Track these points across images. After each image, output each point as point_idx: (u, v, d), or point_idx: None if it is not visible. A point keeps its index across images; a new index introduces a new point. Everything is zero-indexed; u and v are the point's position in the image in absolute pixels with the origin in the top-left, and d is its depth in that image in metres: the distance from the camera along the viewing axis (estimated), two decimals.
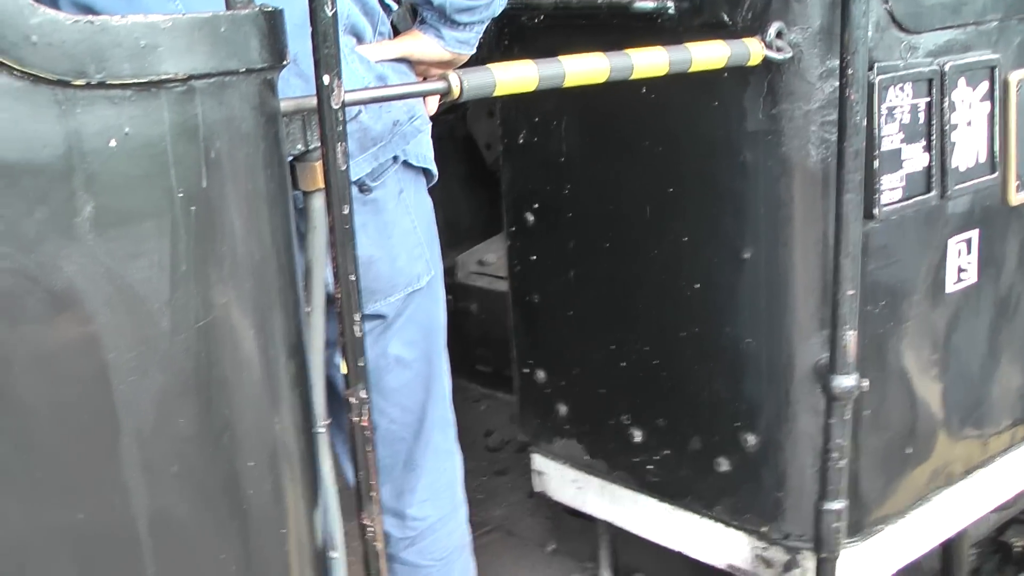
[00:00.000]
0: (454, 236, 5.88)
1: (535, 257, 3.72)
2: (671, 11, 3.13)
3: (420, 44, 2.80)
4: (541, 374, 3.79)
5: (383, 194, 2.80)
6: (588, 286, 3.58)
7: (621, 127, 3.37)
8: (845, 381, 2.96)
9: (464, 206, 5.97)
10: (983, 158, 3.38)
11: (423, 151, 2.87)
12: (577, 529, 4.31)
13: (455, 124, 5.87)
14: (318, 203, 2.20)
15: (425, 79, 2.84)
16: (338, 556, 2.17)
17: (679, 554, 3.58)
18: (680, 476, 3.45)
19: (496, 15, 2.81)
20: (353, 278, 2.04)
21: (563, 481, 3.83)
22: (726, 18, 3.02)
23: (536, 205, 3.66)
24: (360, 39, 2.72)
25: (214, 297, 1.85)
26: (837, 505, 3.04)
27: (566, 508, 3.99)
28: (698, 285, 3.25)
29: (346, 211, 2.02)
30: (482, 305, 5.52)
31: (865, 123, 2.87)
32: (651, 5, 3.15)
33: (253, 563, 1.99)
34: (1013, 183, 3.51)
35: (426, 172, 2.93)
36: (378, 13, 2.78)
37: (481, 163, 5.95)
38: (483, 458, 5.05)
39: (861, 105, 2.83)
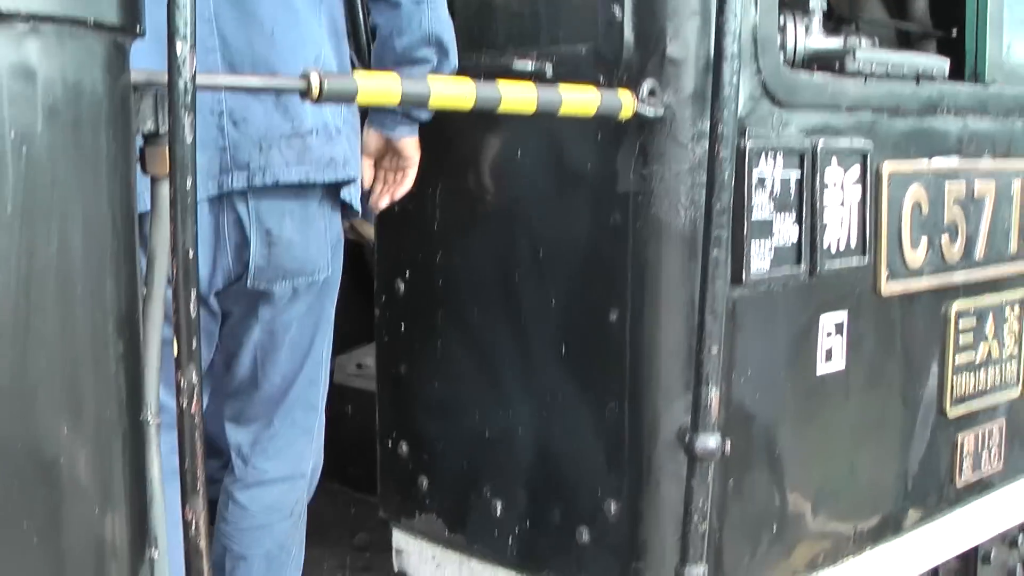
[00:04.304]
0: (336, 340, 5.81)
1: (403, 327, 3.67)
2: (548, 75, 3.15)
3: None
4: (404, 447, 3.70)
5: (310, 192, 3.07)
6: (455, 355, 3.53)
7: (495, 192, 3.38)
8: (707, 441, 2.87)
9: (350, 311, 5.89)
10: (854, 241, 3.41)
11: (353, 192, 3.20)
12: None
13: (344, 231, 5.85)
14: (165, 190, 2.13)
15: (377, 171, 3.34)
16: (159, 554, 2.05)
17: None
18: (541, 548, 3.35)
19: None
20: (192, 254, 1.97)
21: (423, 558, 3.72)
22: (602, 80, 3.04)
23: (408, 273, 3.62)
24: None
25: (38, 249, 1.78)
26: (697, 570, 2.94)
27: None
28: (564, 350, 3.21)
29: (189, 185, 1.96)
30: (357, 407, 5.42)
31: (733, 181, 2.86)
32: (530, 67, 3.17)
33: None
34: (884, 272, 3.54)
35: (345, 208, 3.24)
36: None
37: (367, 269, 5.91)
38: (347, 555, 4.92)
39: (729, 163, 2.81)
